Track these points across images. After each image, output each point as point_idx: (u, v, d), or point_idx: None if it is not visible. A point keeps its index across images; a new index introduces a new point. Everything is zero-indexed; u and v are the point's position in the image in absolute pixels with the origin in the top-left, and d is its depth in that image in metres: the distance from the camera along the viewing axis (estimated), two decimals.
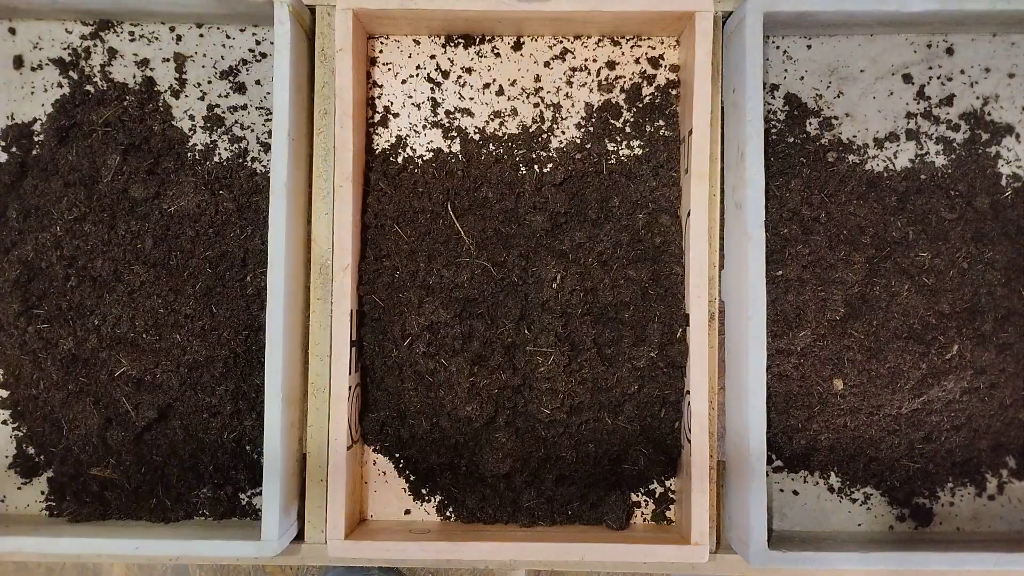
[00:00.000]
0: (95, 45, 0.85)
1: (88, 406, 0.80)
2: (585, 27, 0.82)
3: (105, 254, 0.80)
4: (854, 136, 0.84)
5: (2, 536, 0.75)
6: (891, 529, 0.84)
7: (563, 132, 0.84)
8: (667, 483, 0.83)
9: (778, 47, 0.85)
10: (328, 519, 0.76)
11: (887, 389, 0.79)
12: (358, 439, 0.82)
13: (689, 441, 0.77)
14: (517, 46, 0.84)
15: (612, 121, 0.83)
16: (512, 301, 0.80)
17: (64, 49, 0.85)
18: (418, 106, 0.84)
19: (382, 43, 0.85)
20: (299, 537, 0.81)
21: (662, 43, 0.84)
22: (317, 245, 0.81)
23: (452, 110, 0.84)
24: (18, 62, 0.85)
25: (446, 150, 0.84)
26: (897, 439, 0.81)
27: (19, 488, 0.85)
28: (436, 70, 0.84)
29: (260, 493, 0.82)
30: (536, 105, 0.84)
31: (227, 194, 0.82)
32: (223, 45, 0.85)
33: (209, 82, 0.85)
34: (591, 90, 0.84)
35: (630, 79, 0.84)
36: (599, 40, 0.84)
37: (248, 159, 0.84)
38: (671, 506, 0.83)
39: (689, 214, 0.77)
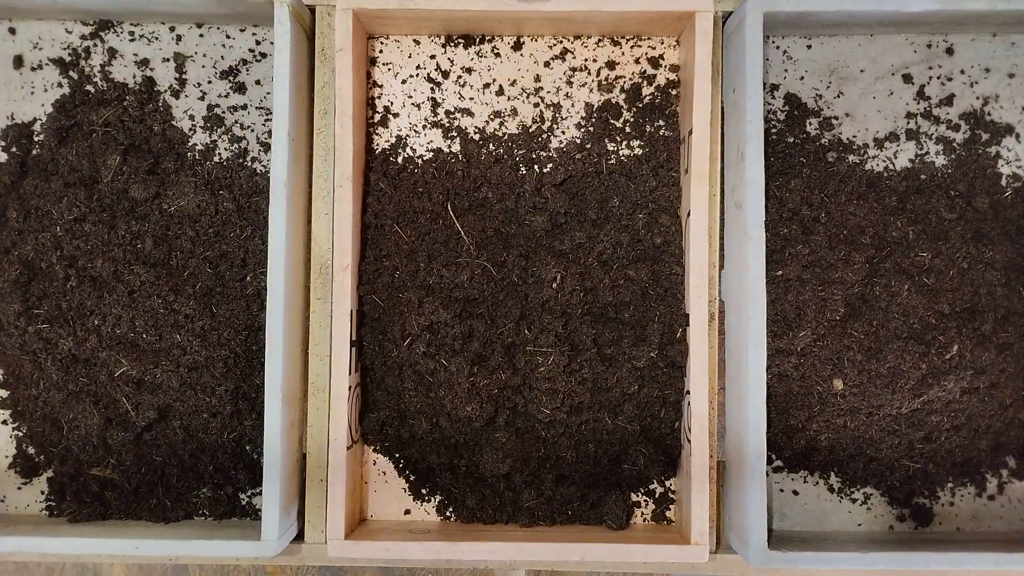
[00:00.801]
0: (95, 45, 0.85)
1: (88, 406, 0.80)
2: (585, 27, 0.82)
3: (105, 254, 0.80)
4: (854, 136, 0.84)
5: (2, 536, 0.75)
6: (891, 529, 0.84)
7: (563, 132, 0.84)
8: (667, 483, 0.83)
9: (778, 47, 0.85)
10: (328, 519, 0.76)
11: (887, 389, 0.79)
12: (358, 439, 0.82)
13: (689, 441, 0.77)
14: (517, 46, 0.84)
15: (612, 121, 0.83)
16: (512, 301, 0.80)
17: (64, 49, 0.85)
18: (418, 106, 0.84)
19: (382, 43, 0.85)
20: (299, 537, 0.81)
21: (662, 43, 0.84)
22: (317, 245, 0.81)
23: (452, 110, 0.84)
24: (18, 62, 0.85)
25: (446, 150, 0.84)
26: (897, 439, 0.81)
27: (19, 488, 0.85)
28: (436, 70, 0.84)
29: (260, 493, 0.82)
30: (536, 105, 0.84)
31: (227, 194, 0.82)
32: (223, 45, 0.85)
33: (209, 82, 0.85)
34: (591, 90, 0.84)
35: (630, 79, 0.84)
36: (599, 40, 0.84)
37: (248, 159, 0.84)
38: (671, 506, 0.83)
39: (689, 214, 0.77)
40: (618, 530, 0.80)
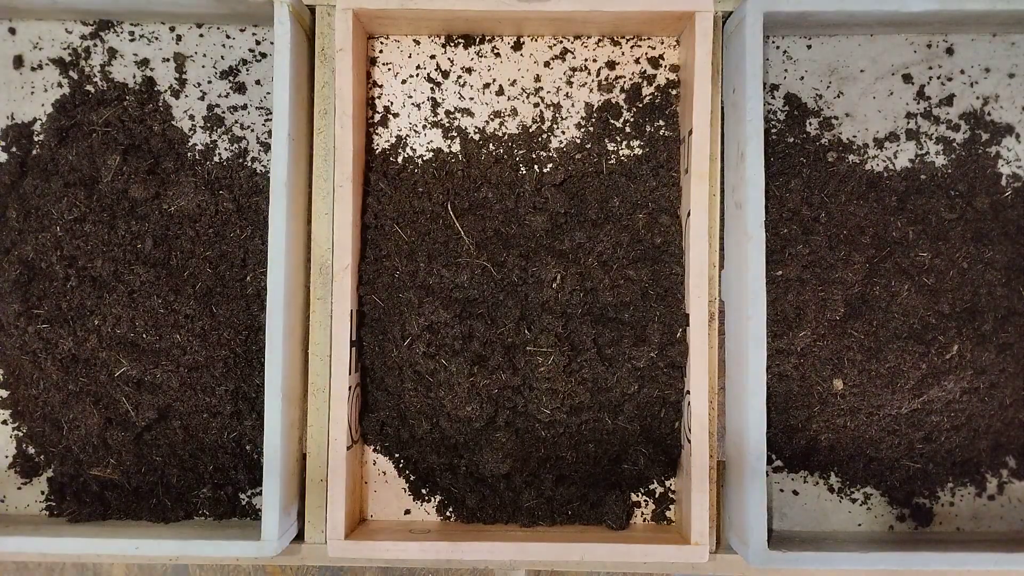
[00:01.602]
0: (95, 45, 0.85)
1: (88, 406, 0.80)
2: (585, 27, 0.82)
3: (105, 254, 0.80)
4: (854, 136, 0.84)
5: (2, 536, 0.75)
6: (891, 529, 0.84)
7: (563, 132, 0.84)
8: (667, 483, 0.83)
9: (778, 47, 0.85)
10: (328, 519, 0.76)
11: (887, 389, 0.79)
12: (358, 439, 0.82)
13: (689, 441, 0.77)
14: (517, 46, 0.84)
15: (612, 121, 0.83)
16: (512, 301, 0.80)
17: (64, 49, 0.85)
18: (418, 106, 0.84)
19: (382, 43, 0.85)
20: (299, 537, 0.81)
21: (662, 43, 0.84)
22: (317, 245, 0.81)
23: (452, 110, 0.84)
24: (18, 62, 0.85)
25: (446, 150, 0.84)
26: (897, 439, 0.81)
27: (19, 488, 0.85)
28: (436, 70, 0.84)
29: (260, 493, 0.82)
30: (536, 105, 0.84)
31: (227, 194, 0.82)
32: (223, 45, 0.85)
33: (209, 82, 0.85)
34: (591, 90, 0.84)
35: (630, 79, 0.84)
36: (599, 40, 0.84)
37: (248, 159, 0.84)
38: (671, 506, 0.83)
39: (689, 214, 0.77)
40: (618, 530, 0.80)
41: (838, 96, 0.85)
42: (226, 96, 0.85)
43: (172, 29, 0.85)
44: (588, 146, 0.83)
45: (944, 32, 0.84)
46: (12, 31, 0.85)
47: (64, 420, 0.81)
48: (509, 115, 0.84)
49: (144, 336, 0.80)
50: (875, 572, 0.78)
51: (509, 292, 0.81)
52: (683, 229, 0.81)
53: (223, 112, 0.85)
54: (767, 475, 0.83)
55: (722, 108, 0.82)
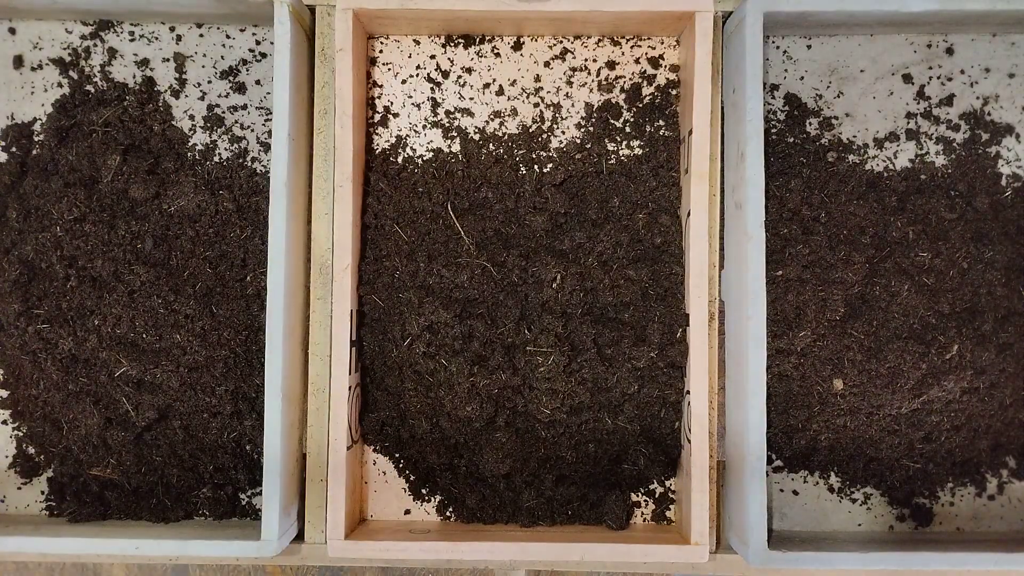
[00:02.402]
0: (95, 45, 0.85)
1: (88, 406, 0.80)
2: (585, 27, 0.82)
3: (105, 254, 0.80)
4: (854, 136, 0.84)
5: (2, 536, 0.75)
6: (891, 529, 0.84)
7: (563, 132, 0.84)
8: (667, 483, 0.83)
9: (778, 47, 0.85)
10: (328, 519, 0.76)
11: (887, 389, 0.79)
12: (358, 439, 0.82)
13: (689, 441, 0.77)
14: (517, 46, 0.84)
15: (612, 121, 0.83)
16: (512, 301, 0.80)
17: (64, 49, 0.85)
18: (418, 106, 0.84)
19: (382, 43, 0.85)
20: (299, 537, 0.81)
21: (662, 43, 0.84)
22: (317, 245, 0.81)
23: (452, 110, 0.84)
24: (18, 62, 0.85)
25: (446, 150, 0.84)
26: (897, 439, 0.81)
27: (19, 488, 0.85)
28: (436, 70, 0.84)
29: (260, 493, 0.82)
30: (536, 105, 0.84)
31: (227, 194, 0.82)
32: (223, 45, 0.85)
33: (209, 82, 0.85)
34: (591, 90, 0.84)
35: (630, 79, 0.84)
36: (599, 40, 0.84)
37: (248, 159, 0.84)
38: (671, 506, 0.83)
39: (689, 214, 0.77)
40: (618, 530, 0.80)
41: (838, 96, 0.85)
42: (226, 96, 0.85)
43: (172, 29, 0.85)
44: (588, 146, 0.83)
45: (944, 32, 0.84)
46: (12, 31, 0.85)
47: (64, 420, 0.81)
48: (509, 115, 0.84)
49: (144, 336, 0.80)
50: (875, 572, 0.78)
51: (509, 292, 0.81)
52: (683, 229, 0.81)
53: (223, 112, 0.85)
54: (767, 475, 0.83)
55: (722, 108, 0.82)
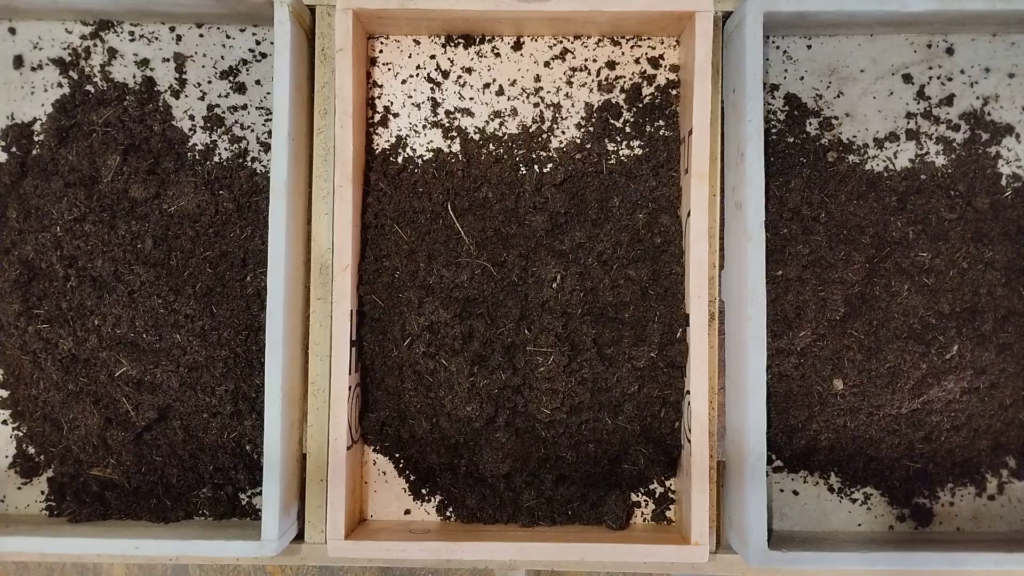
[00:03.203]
0: (95, 45, 0.85)
1: (88, 406, 0.80)
2: (585, 27, 0.82)
3: (105, 254, 0.80)
4: (854, 136, 0.84)
5: (2, 536, 0.75)
6: (891, 529, 0.84)
7: (563, 132, 0.84)
8: (667, 483, 0.83)
9: (778, 47, 0.85)
10: (328, 519, 0.76)
11: (887, 389, 0.79)
12: (358, 439, 0.82)
13: (689, 441, 0.77)
14: (517, 46, 0.84)
15: (612, 121, 0.83)
16: (512, 301, 0.80)
17: (64, 49, 0.85)
18: (418, 106, 0.84)
19: (382, 43, 0.85)
20: (299, 537, 0.81)
21: (662, 43, 0.84)
22: (317, 245, 0.81)
23: (452, 110, 0.84)
24: (18, 62, 0.85)
25: (446, 150, 0.84)
26: (897, 439, 0.81)
27: (19, 488, 0.85)
28: (436, 70, 0.84)
29: (260, 493, 0.82)
30: (536, 105, 0.84)
31: (227, 194, 0.82)
32: (223, 45, 0.85)
33: (209, 82, 0.85)
34: (591, 90, 0.84)
35: (630, 79, 0.84)
36: (599, 40, 0.84)
37: (248, 159, 0.84)
38: (671, 506, 0.83)
39: (689, 214, 0.77)
40: (618, 530, 0.80)
41: (838, 96, 0.85)
42: (226, 96, 0.85)
43: (172, 29, 0.85)
44: (588, 146, 0.83)
45: (944, 32, 0.84)
46: (12, 31, 0.85)
47: (64, 420, 0.81)
48: (509, 115, 0.84)
49: (144, 336, 0.80)
50: (875, 572, 0.78)
51: (509, 292, 0.81)
52: (683, 229, 0.81)
53: (223, 112, 0.85)
54: (767, 475, 0.83)
55: (722, 108, 0.82)
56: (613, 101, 0.83)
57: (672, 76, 0.84)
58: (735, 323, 0.79)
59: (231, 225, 0.82)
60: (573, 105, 0.84)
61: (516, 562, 0.80)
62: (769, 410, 0.78)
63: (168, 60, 0.85)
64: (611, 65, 0.84)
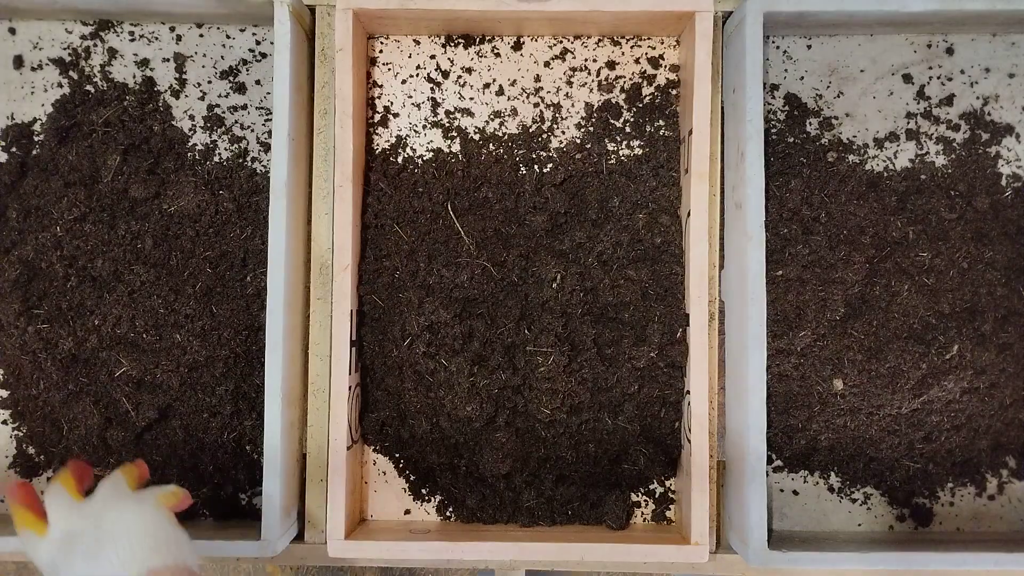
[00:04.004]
0: (95, 45, 0.85)
1: (88, 406, 0.80)
2: (585, 27, 0.82)
3: (105, 254, 0.80)
4: (854, 136, 0.84)
5: (2, 536, 0.75)
6: (891, 529, 0.84)
7: (563, 132, 0.84)
8: (667, 483, 0.83)
9: (778, 47, 0.85)
10: (328, 519, 0.76)
11: (887, 389, 0.79)
12: (358, 439, 0.82)
13: (689, 441, 0.77)
14: (517, 46, 0.84)
15: (612, 121, 0.83)
16: (512, 301, 0.80)
17: (64, 49, 0.85)
18: (418, 106, 0.84)
19: (382, 43, 0.85)
20: (299, 537, 0.81)
21: (662, 43, 0.84)
22: (317, 245, 0.81)
23: (452, 110, 0.84)
24: (18, 62, 0.85)
25: (446, 150, 0.84)
26: (897, 439, 0.81)
27: None
28: (436, 70, 0.84)
29: (260, 493, 0.82)
30: (536, 105, 0.84)
31: (227, 194, 0.82)
32: (223, 45, 0.85)
33: (209, 82, 0.85)
34: (591, 90, 0.84)
35: (630, 79, 0.84)
36: (599, 40, 0.84)
37: (248, 159, 0.84)
38: (671, 506, 0.83)
39: (689, 214, 0.77)
40: (618, 530, 0.80)
41: (838, 96, 0.84)
42: (226, 96, 0.85)
43: (172, 29, 0.85)
44: (588, 146, 0.83)
45: (944, 32, 0.84)
46: (12, 31, 0.85)
47: (64, 420, 0.81)
48: (509, 115, 0.84)
49: (144, 336, 0.80)
50: (875, 572, 0.78)
51: (509, 292, 0.81)
52: (683, 229, 0.81)
53: (223, 112, 0.85)
54: (767, 475, 0.83)
55: (722, 108, 0.82)
56: (613, 101, 0.83)
57: (672, 76, 0.84)
58: (735, 323, 0.79)
59: (231, 225, 0.82)
60: (573, 105, 0.84)
61: (516, 562, 0.80)
62: (769, 410, 0.78)
63: (168, 60, 0.85)
64: (611, 65, 0.84)
